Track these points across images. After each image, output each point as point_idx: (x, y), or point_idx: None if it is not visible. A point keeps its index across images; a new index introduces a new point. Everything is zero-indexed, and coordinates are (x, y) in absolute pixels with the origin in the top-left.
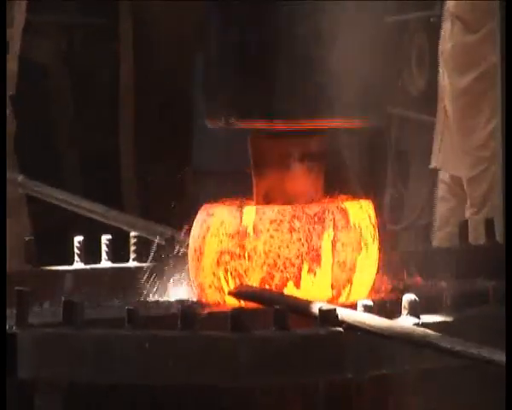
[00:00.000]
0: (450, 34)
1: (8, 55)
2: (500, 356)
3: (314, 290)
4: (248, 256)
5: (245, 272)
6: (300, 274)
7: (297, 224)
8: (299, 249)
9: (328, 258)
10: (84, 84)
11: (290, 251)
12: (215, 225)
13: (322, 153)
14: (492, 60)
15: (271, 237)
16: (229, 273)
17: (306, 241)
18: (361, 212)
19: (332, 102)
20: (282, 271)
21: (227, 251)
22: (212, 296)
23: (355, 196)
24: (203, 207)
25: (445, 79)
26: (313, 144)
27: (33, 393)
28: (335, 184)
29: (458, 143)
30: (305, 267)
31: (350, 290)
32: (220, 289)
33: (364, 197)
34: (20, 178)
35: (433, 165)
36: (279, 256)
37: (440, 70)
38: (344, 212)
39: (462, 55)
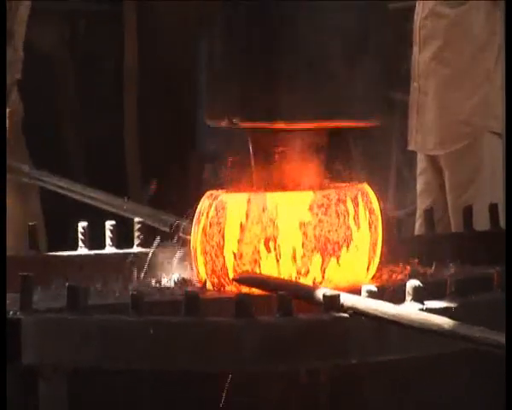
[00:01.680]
0: (433, 7)
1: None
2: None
3: (355, 272)
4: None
5: (293, 257)
6: (341, 256)
7: (342, 207)
8: (345, 232)
9: (367, 240)
10: (88, 71)
11: (338, 235)
12: (256, 212)
13: (325, 145)
14: (475, 32)
15: (320, 221)
16: (275, 259)
17: (355, 223)
18: (373, 195)
19: (334, 101)
20: (330, 254)
21: (272, 237)
22: None
23: (355, 180)
24: (210, 194)
25: (421, 54)
26: (314, 138)
27: (37, 378)
28: (336, 170)
29: (435, 120)
30: (352, 249)
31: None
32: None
33: (363, 182)
34: (26, 167)
35: (411, 147)
36: (329, 240)
37: (415, 47)
38: (370, 195)
39: (446, 28)
